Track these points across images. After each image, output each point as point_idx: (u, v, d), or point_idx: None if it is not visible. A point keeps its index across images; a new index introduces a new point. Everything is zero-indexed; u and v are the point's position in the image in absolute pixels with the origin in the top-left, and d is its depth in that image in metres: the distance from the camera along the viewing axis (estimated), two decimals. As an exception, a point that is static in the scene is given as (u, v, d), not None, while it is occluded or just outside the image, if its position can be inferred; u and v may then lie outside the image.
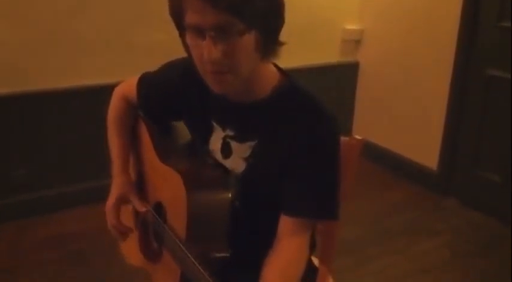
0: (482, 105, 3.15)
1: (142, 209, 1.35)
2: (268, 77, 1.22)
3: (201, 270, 1.07)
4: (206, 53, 1.06)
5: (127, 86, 1.49)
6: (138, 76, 1.46)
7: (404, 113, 3.64)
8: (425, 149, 3.53)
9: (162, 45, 2.66)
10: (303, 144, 1.17)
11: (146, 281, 2.31)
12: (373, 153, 3.68)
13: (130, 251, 1.51)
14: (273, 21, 1.11)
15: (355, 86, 3.97)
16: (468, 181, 3.32)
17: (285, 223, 1.19)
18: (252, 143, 1.24)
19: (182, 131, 1.42)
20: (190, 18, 1.07)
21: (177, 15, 1.11)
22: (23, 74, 2.79)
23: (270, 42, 1.13)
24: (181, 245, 1.16)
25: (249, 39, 1.08)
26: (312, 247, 1.43)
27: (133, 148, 1.48)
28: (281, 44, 1.16)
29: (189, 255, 1.12)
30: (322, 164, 1.19)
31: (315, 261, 1.55)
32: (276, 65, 1.25)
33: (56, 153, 2.99)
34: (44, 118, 2.91)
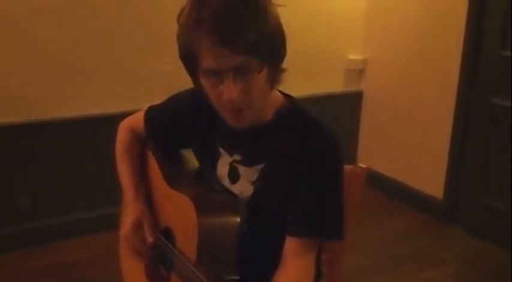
0: (486, 134, 3.16)
1: (150, 238, 1.35)
2: (272, 101, 1.26)
3: None
4: (226, 94, 1.11)
5: (133, 119, 1.53)
6: (143, 110, 1.50)
7: (409, 142, 3.65)
8: (430, 177, 3.53)
9: (165, 74, 2.69)
10: (305, 165, 1.20)
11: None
12: (377, 182, 3.68)
13: (135, 280, 1.50)
14: (280, 53, 1.16)
15: (359, 115, 4.00)
16: (474, 210, 3.31)
17: (290, 244, 1.21)
18: (259, 167, 1.26)
19: (190, 159, 1.45)
20: (208, 63, 1.10)
21: (191, 59, 1.14)
22: (27, 103, 2.82)
23: (277, 72, 1.18)
24: (193, 268, 1.17)
25: (263, 74, 1.13)
26: (319, 278, 1.43)
27: (142, 177, 1.50)
28: (284, 70, 1.21)
29: (202, 277, 1.13)
30: (325, 183, 1.21)
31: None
32: (281, 92, 1.30)
33: (59, 183, 2.99)
34: (47, 147, 2.92)
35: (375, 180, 3.64)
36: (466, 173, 3.33)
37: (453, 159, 3.36)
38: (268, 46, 1.10)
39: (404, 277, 2.84)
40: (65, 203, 3.03)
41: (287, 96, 1.30)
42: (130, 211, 1.40)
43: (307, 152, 1.20)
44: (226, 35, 1.05)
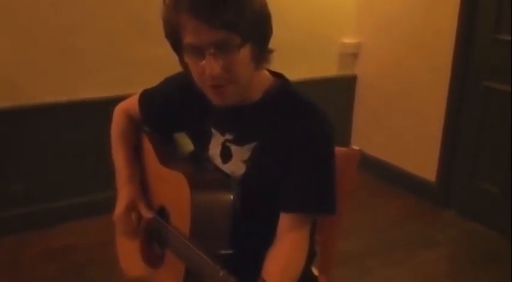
0: (480, 117, 3.17)
1: (149, 215, 1.37)
2: (262, 81, 1.28)
3: (210, 261, 1.09)
4: (208, 69, 1.13)
5: (128, 103, 1.54)
6: (138, 94, 1.51)
7: (402, 125, 3.66)
8: (423, 161, 3.54)
9: (160, 60, 2.67)
10: (297, 141, 1.22)
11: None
12: (371, 166, 3.69)
13: (130, 262, 1.52)
14: (263, 32, 1.18)
15: (353, 99, 4.00)
16: (467, 192, 3.33)
17: (284, 220, 1.23)
18: (251, 146, 1.28)
19: (184, 142, 1.46)
20: (188, 38, 1.13)
21: (173, 36, 1.17)
22: (19, 88, 2.81)
23: (262, 52, 1.20)
24: (187, 242, 1.19)
25: (245, 52, 1.14)
26: (312, 257, 1.44)
27: (136, 160, 1.51)
28: (271, 51, 1.23)
29: (197, 251, 1.14)
30: (316, 160, 1.23)
31: (315, 272, 1.56)
32: (269, 70, 1.31)
33: (53, 167, 2.99)
34: (40, 132, 2.92)
35: (369, 164, 3.65)
36: (459, 156, 3.34)
37: (446, 142, 3.37)
38: (249, 23, 1.11)
39: (398, 260, 2.85)
40: (59, 187, 3.04)
41: (278, 76, 1.31)
42: (124, 193, 1.41)
43: (299, 130, 1.22)
44: (203, 10, 1.08)
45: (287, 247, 1.20)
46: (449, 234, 3.14)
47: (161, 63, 2.53)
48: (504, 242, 3.01)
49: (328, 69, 3.84)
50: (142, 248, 1.42)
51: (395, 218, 3.33)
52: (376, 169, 3.74)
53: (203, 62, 1.13)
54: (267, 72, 1.30)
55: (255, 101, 1.27)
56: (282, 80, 1.31)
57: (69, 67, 2.89)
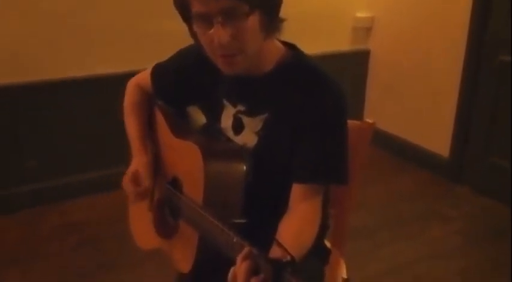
0: (495, 92, 3.14)
1: (145, 183, 1.39)
2: (273, 51, 1.27)
3: (223, 228, 1.09)
4: (216, 38, 1.12)
5: (141, 77, 1.55)
6: (151, 67, 1.51)
7: (416, 100, 3.63)
8: (436, 136, 3.53)
9: (172, 34, 2.65)
10: (309, 111, 1.22)
11: (157, 265, 2.37)
12: (384, 141, 3.68)
13: (144, 235, 1.53)
14: (273, 0, 1.18)
15: (366, 73, 3.97)
16: (480, 168, 3.31)
17: (296, 190, 1.24)
18: (263, 117, 1.28)
19: (196, 115, 1.46)
20: (196, 7, 1.13)
21: (182, 6, 1.17)
22: (34, 64, 2.82)
23: (272, 20, 1.19)
24: (200, 209, 1.20)
25: (254, 20, 1.14)
26: (325, 229, 1.45)
27: (149, 132, 1.52)
28: (282, 20, 1.22)
29: (210, 217, 1.15)
30: (329, 128, 1.23)
31: (328, 245, 1.57)
32: (281, 40, 1.30)
33: (67, 143, 3.01)
34: (54, 107, 2.93)
35: (382, 139, 3.64)
36: (473, 131, 3.32)
37: (460, 117, 3.35)
38: None
39: (410, 234, 2.87)
40: (73, 163, 3.06)
41: (290, 47, 1.31)
42: (133, 163, 1.44)
43: (311, 101, 1.22)
44: None
45: (299, 217, 1.20)
46: (462, 209, 3.14)
47: (174, 37, 2.52)
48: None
49: (342, 43, 3.81)
50: (156, 220, 1.44)
51: (408, 192, 3.33)
52: (388, 144, 3.73)
53: (211, 30, 1.13)
54: (279, 43, 1.29)
55: (267, 72, 1.27)
56: (295, 50, 1.30)
57: (81, 42, 2.89)
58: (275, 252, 1.00)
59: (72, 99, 2.97)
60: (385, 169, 3.56)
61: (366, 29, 3.85)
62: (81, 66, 2.93)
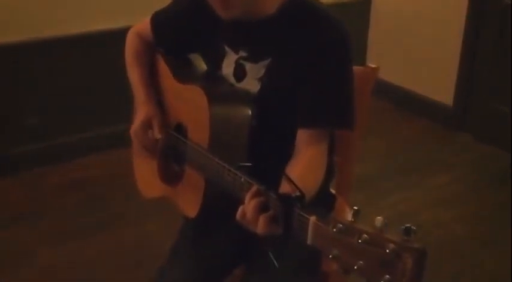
0: (499, 38, 3.09)
1: (158, 135, 1.38)
2: None
3: (230, 168, 1.09)
4: None
5: (141, 26, 1.52)
6: (150, 16, 1.49)
7: (418, 49, 3.59)
8: (440, 84, 3.50)
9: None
10: (314, 54, 1.20)
11: (159, 223, 2.40)
12: (386, 90, 3.65)
13: (148, 184, 1.54)
14: None
15: (367, 23, 3.90)
16: (482, 116, 3.30)
17: (301, 135, 1.23)
18: (265, 62, 1.26)
19: (198, 63, 1.45)
20: None
21: None
22: (32, 21, 2.76)
23: None
24: (206, 152, 1.20)
25: None
26: (330, 176, 1.45)
27: (152, 81, 1.51)
28: None
29: (217, 159, 1.15)
30: (334, 71, 1.22)
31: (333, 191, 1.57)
32: None
33: (69, 101, 2.98)
34: (54, 65, 2.89)
35: (384, 88, 3.61)
36: (477, 79, 3.29)
37: (463, 66, 3.31)
38: None
39: (413, 182, 2.89)
40: (75, 121, 3.03)
41: None
42: (141, 111, 1.42)
43: (316, 44, 1.20)
44: None
45: (305, 161, 1.20)
46: (464, 157, 3.15)
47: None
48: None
49: (342, -8, 3.73)
50: (160, 167, 1.43)
51: (409, 141, 3.33)
52: (391, 94, 3.70)
53: None
54: None
55: (270, 15, 1.24)
56: None
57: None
58: (284, 188, 1.00)
59: (72, 56, 2.92)
60: (387, 119, 3.55)
61: (367, -23, 3.77)
62: (79, 23, 2.87)
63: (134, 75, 1.49)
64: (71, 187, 2.79)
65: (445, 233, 2.52)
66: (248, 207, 0.99)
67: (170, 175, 1.41)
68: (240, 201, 1.02)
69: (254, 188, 1.00)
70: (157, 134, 1.38)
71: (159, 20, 1.46)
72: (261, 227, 0.97)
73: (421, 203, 2.71)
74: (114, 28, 2.86)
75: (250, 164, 1.11)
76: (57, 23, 2.83)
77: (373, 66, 1.49)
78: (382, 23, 3.83)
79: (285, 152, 1.24)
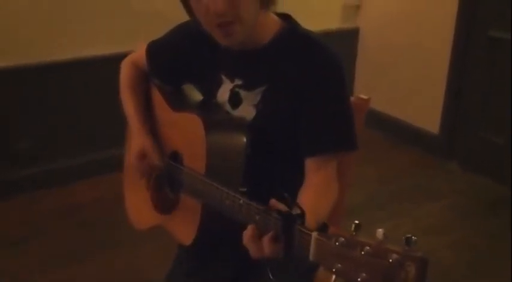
0: (485, 68, 3.15)
1: (157, 162, 1.39)
2: (270, 23, 1.28)
3: (229, 191, 1.10)
4: (212, 6, 1.12)
5: (135, 56, 1.54)
6: (145, 46, 1.50)
7: (406, 78, 3.64)
8: (427, 113, 3.54)
9: (163, 13, 2.65)
10: (309, 80, 1.22)
11: (153, 246, 2.37)
12: (374, 119, 3.68)
13: (141, 215, 1.53)
14: None
15: (355, 52, 3.96)
16: (470, 144, 3.33)
17: (310, 163, 1.24)
18: (261, 89, 1.28)
19: (192, 93, 1.46)
20: None
21: None
22: (24, 46, 2.79)
23: None
24: (204, 178, 1.20)
25: None
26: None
27: (147, 110, 1.51)
28: None
29: (216, 184, 1.15)
30: (333, 96, 1.24)
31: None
32: (277, 13, 1.30)
33: (60, 126, 2.99)
34: (48, 91, 2.91)
35: (372, 118, 3.62)
36: (463, 108, 3.33)
37: (450, 94, 3.36)
38: None
39: (404, 211, 2.89)
40: (67, 147, 3.04)
41: (286, 18, 1.31)
42: (136, 142, 1.42)
43: (310, 70, 1.22)
44: None
45: (313, 190, 1.20)
46: (453, 185, 3.17)
47: (163, 16, 2.50)
48: (507, 192, 3.04)
49: (331, 22, 3.79)
50: (154, 196, 1.43)
51: (399, 170, 3.35)
52: (379, 123, 3.73)
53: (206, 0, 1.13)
54: (274, 16, 1.30)
55: (264, 44, 1.27)
56: (290, 21, 1.30)
57: (71, 23, 2.86)
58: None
59: (64, 82, 2.94)
60: (376, 148, 3.57)
61: (355, 7, 3.84)
62: (71, 48, 2.90)
63: (129, 104, 1.49)
64: (62, 213, 2.78)
65: (436, 260, 2.51)
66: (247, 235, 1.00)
67: (165, 204, 1.40)
68: (242, 226, 1.02)
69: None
70: (156, 160, 1.39)
71: (154, 50, 1.48)
72: (266, 249, 0.97)
73: (411, 231, 2.69)
74: (104, 54, 2.89)
75: (245, 190, 1.11)
76: (48, 48, 2.85)
77: (364, 97, 1.50)
78: (370, 51, 3.89)
79: (279, 176, 1.27)
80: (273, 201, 0.98)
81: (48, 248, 2.51)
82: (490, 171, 3.20)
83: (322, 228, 0.90)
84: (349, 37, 3.90)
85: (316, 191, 1.20)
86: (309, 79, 1.22)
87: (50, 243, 2.55)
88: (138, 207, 1.53)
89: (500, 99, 3.09)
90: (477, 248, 2.62)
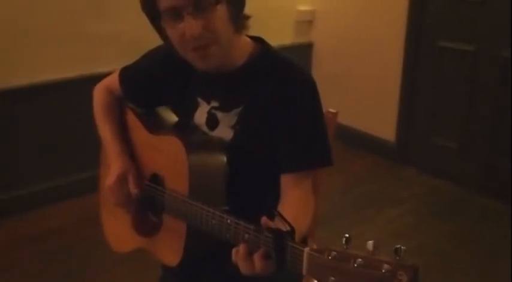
0: (435, 76, 3.29)
1: (134, 190, 1.38)
2: (243, 46, 1.32)
3: (215, 211, 1.12)
4: (188, 30, 1.15)
5: (108, 81, 1.54)
6: (117, 71, 1.51)
7: (360, 89, 3.74)
8: (382, 122, 3.65)
9: (119, 35, 2.63)
10: (283, 100, 1.26)
11: (129, 270, 2.36)
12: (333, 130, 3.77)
13: (121, 238, 1.53)
14: None
15: (310, 66, 4.04)
16: (426, 149, 3.47)
17: (287, 179, 1.28)
18: (237, 110, 1.31)
19: (167, 115, 1.47)
20: (165, 2, 1.15)
21: (149, 5, 1.19)
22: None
23: (239, 12, 1.24)
24: (187, 199, 1.21)
25: (222, 10, 1.18)
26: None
27: (123, 135, 1.51)
28: (248, 17, 1.29)
29: (199, 204, 1.17)
30: (308, 114, 1.28)
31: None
32: (250, 36, 1.35)
33: (26, 152, 2.93)
34: (8, 116, 2.84)
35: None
36: (417, 115, 3.47)
37: (404, 103, 3.49)
38: None
39: (366, 218, 2.98)
40: (31, 173, 2.98)
41: (258, 40, 1.35)
42: (115, 166, 1.41)
43: (285, 90, 1.26)
44: None
45: (292, 205, 1.23)
46: (412, 191, 3.28)
47: (121, 39, 2.49)
48: (463, 194, 3.17)
49: (285, 37, 3.86)
50: (136, 219, 1.43)
51: (358, 179, 3.44)
52: (337, 133, 3.80)
53: (182, 24, 1.15)
54: (247, 39, 1.34)
55: (239, 66, 1.30)
56: (263, 43, 1.34)
57: (27, 48, 2.80)
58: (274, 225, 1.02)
59: (26, 106, 2.87)
60: (336, 157, 3.62)
61: (308, 22, 3.93)
62: (28, 73, 2.82)
63: (105, 129, 1.49)
64: (28, 241, 2.71)
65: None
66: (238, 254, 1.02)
67: (147, 226, 1.40)
68: (230, 245, 1.04)
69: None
70: (133, 187, 1.38)
71: (128, 75, 1.49)
72: (257, 266, 1.00)
73: (375, 238, 2.77)
74: (63, 78, 2.81)
75: (227, 209, 1.14)
76: (17, 72, 2.80)
77: (333, 111, 1.57)
78: (324, 65, 3.97)
79: (259, 195, 1.30)
80: (264, 219, 1.00)
81: (19, 276, 2.45)
82: (445, 174, 3.33)
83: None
84: (303, 51, 3.98)
85: (296, 206, 1.23)
86: (283, 98, 1.26)
87: (19, 270, 2.49)
88: (118, 230, 1.53)
89: (450, 105, 3.24)
90: (443, 251, 2.71)
